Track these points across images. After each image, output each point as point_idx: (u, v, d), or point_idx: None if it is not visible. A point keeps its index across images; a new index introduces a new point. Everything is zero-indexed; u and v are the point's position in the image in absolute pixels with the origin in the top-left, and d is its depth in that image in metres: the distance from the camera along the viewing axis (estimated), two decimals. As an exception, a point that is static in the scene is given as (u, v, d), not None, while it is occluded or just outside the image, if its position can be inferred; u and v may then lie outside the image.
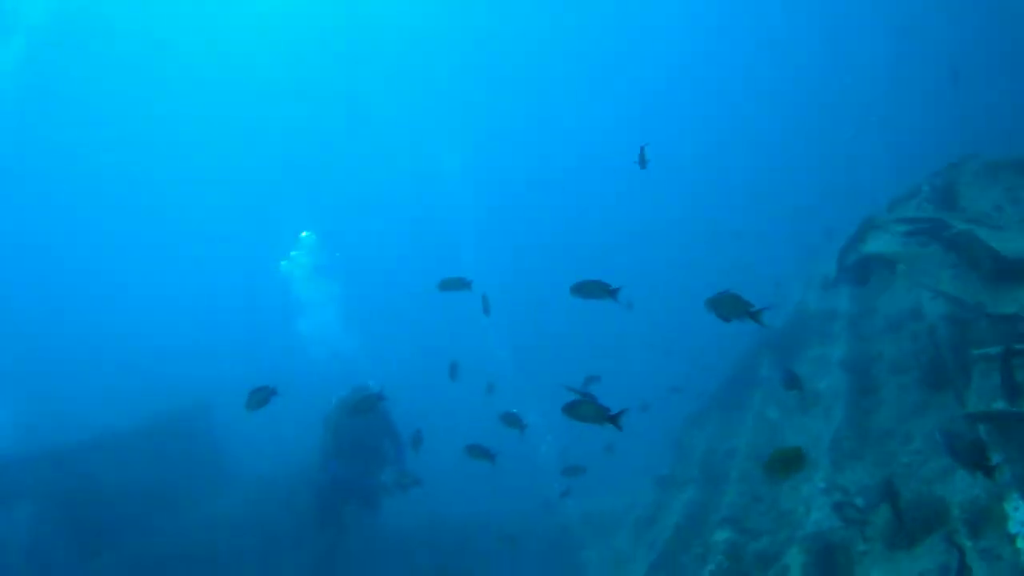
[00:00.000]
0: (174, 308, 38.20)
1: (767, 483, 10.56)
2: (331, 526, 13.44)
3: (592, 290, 8.18)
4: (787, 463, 6.43)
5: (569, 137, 42.98)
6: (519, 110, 42.60)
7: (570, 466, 12.89)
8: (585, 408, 7.14)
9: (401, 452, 13.01)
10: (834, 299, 12.18)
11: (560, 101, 43.15)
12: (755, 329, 13.35)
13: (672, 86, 40.83)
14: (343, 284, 22.99)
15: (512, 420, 11.10)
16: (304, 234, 24.15)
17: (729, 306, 6.91)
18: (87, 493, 14.78)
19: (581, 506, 14.53)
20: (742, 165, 36.37)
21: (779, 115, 37.04)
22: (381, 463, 13.02)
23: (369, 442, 12.88)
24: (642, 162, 8.12)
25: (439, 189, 37.44)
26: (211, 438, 17.27)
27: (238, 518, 14.88)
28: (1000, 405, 7.25)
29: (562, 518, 14.74)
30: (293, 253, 23.41)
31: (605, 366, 13.28)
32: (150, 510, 14.75)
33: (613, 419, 6.92)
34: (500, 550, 14.17)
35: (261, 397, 9.56)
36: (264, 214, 34.44)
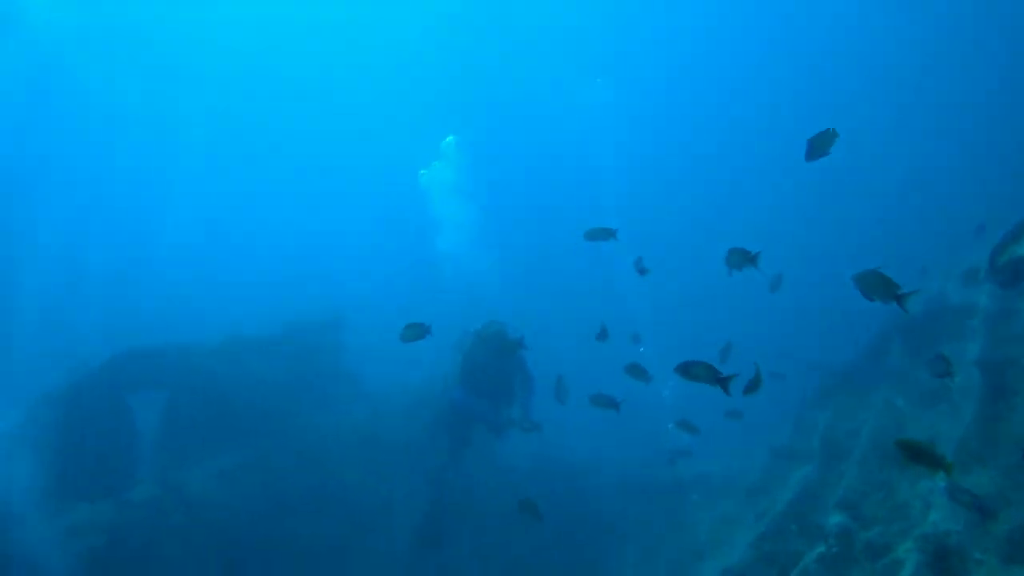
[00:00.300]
0: (312, 217, 38.78)
1: (887, 471, 10.66)
2: (449, 451, 13.98)
3: (736, 260, 8.38)
4: (919, 457, 6.36)
5: (725, 101, 40.98)
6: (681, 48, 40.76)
7: (683, 421, 13.09)
8: (698, 368, 7.44)
9: (528, 394, 13.40)
10: (975, 295, 11.96)
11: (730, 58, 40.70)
12: (888, 312, 13.35)
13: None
14: (482, 201, 22.83)
15: (637, 371, 11.37)
16: (448, 139, 23.95)
17: (875, 285, 7.02)
18: (218, 389, 15.72)
19: (696, 465, 14.80)
20: (900, 152, 34.68)
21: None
22: (508, 401, 13.41)
23: (499, 379, 13.27)
24: (814, 154, 7.80)
25: (582, 126, 36.65)
26: (341, 352, 17.94)
27: (359, 429, 15.59)
28: None
29: (676, 474, 15.02)
30: (436, 164, 23.32)
31: (748, 333, 13.40)
32: (275, 414, 15.57)
33: (723, 382, 7.29)
34: (611, 496, 14.61)
35: (415, 333, 10.01)
36: (409, 124, 34.06)
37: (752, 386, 7.61)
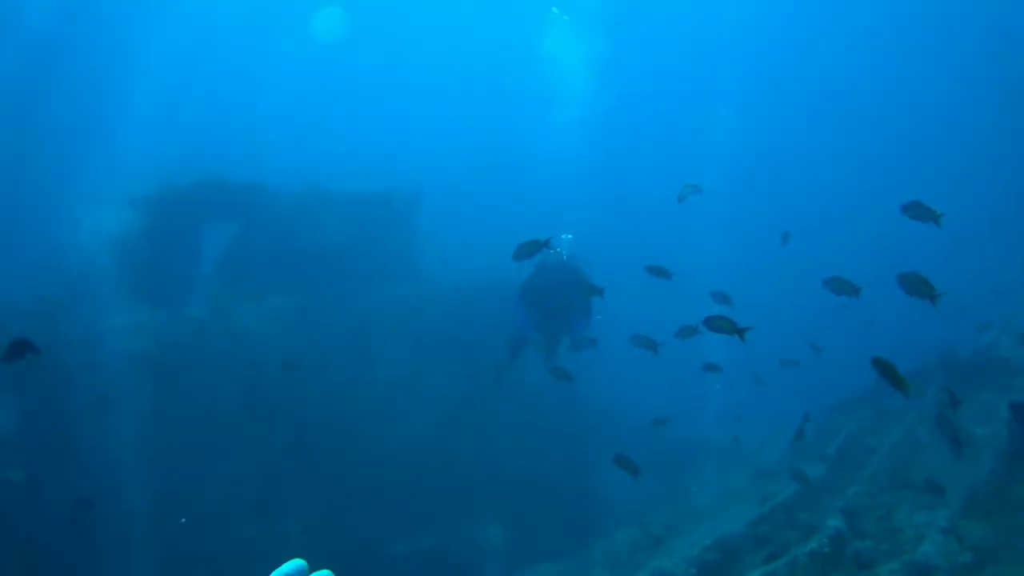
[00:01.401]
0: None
1: (891, 494, 11.18)
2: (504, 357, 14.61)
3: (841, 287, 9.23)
4: (888, 374, 7.16)
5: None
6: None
7: (710, 364, 13.56)
8: (719, 321, 8.77)
9: (586, 324, 13.77)
10: (1025, 356, 12.33)
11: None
12: (939, 348, 13.72)
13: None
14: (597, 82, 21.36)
15: (687, 332, 11.82)
16: None
17: (915, 284, 7.82)
18: (285, 234, 16.38)
19: (723, 429, 15.25)
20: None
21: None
22: (566, 329, 13.80)
23: (561, 310, 13.62)
24: (908, 212, 8.31)
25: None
26: (411, 226, 18.63)
27: (407, 306, 16.18)
28: None
29: (705, 435, 15.51)
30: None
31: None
32: (333, 270, 16.20)
33: (740, 332, 8.57)
34: (624, 436, 15.09)
35: (528, 251, 10.21)
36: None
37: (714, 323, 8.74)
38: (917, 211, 8.16)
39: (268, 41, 35.23)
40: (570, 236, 14.42)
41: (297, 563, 1.88)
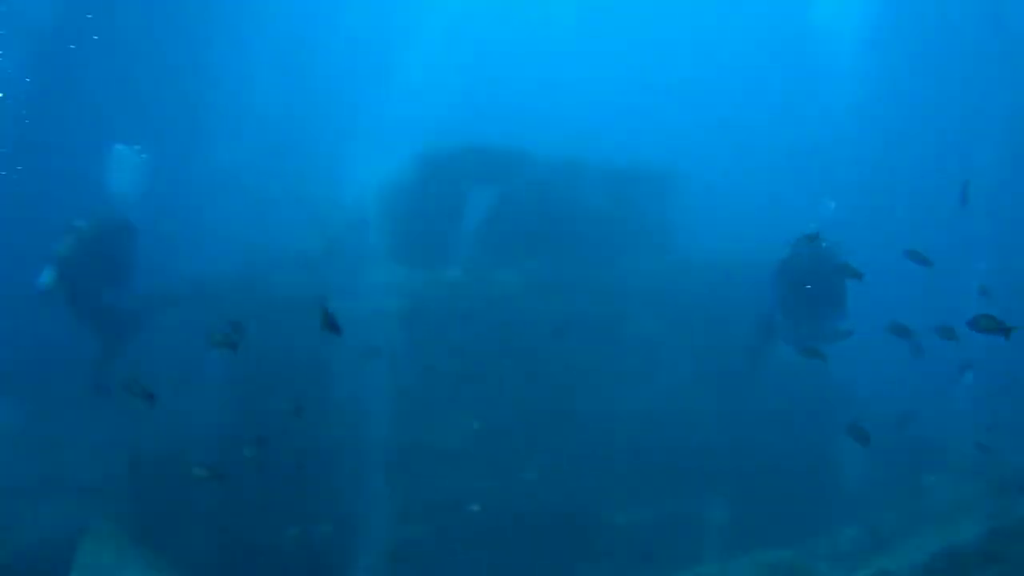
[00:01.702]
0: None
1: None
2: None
3: None
4: None
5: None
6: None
7: (966, 362, 13.04)
8: (984, 320, 8.89)
9: (841, 314, 13.47)
10: None
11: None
12: None
13: None
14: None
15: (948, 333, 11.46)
16: None
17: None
18: (545, 201, 17.01)
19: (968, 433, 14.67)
20: None
21: None
22: (817, 316, 13.57)
23: (814, 296, 13.40)
24: None
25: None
26: (668, 201, 18.83)
27: (654, 285, 16.49)
28: None
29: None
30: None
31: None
32: (586, 240, 16.69)
33: (1006, 331, 8.68)
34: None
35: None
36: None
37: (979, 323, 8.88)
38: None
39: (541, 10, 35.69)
40: (834, 204, 14.18)
41: None
